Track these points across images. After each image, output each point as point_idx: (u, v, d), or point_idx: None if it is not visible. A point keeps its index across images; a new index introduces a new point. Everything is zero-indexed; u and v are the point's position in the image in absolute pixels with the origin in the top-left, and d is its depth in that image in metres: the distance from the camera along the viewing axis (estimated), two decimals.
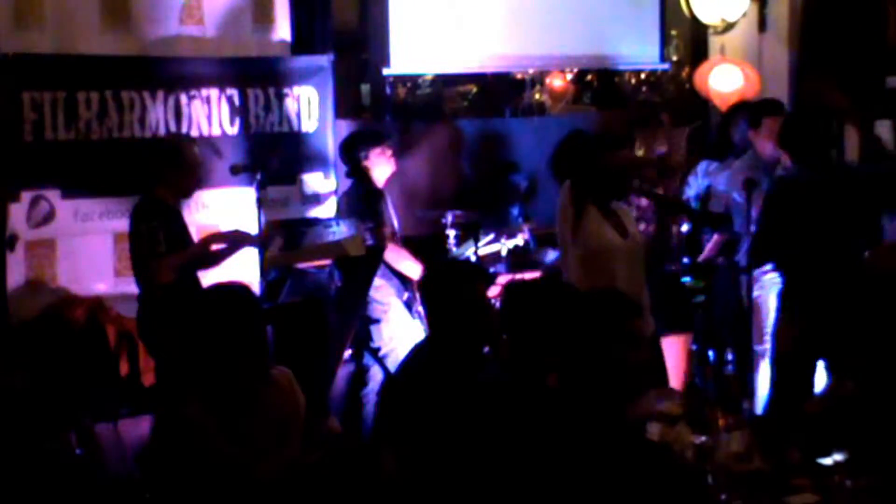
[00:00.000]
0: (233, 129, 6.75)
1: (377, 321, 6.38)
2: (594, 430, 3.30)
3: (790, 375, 5.42)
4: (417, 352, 4.30)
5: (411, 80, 8.14)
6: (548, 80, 8.55)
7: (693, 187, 6.97)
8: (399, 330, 6.37)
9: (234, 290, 4.02)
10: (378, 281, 6.30)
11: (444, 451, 3.68)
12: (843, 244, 5.39)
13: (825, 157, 5.58)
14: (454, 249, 6.83)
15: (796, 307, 5.47)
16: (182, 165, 5.59)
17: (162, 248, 5.40)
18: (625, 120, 7.44)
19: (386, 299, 6.40)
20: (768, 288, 5.96)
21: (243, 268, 6.07)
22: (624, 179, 5.26)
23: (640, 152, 6.76)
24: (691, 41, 8.71)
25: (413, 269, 6.33)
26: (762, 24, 8.18)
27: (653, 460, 3.27)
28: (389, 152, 6.49)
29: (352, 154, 6.47)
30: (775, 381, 5.55)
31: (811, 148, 5.52)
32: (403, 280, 6.39)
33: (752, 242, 5.63)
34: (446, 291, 4.20)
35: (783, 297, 5.63)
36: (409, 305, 6.40)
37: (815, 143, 5.54)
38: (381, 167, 6.46)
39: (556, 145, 5.54)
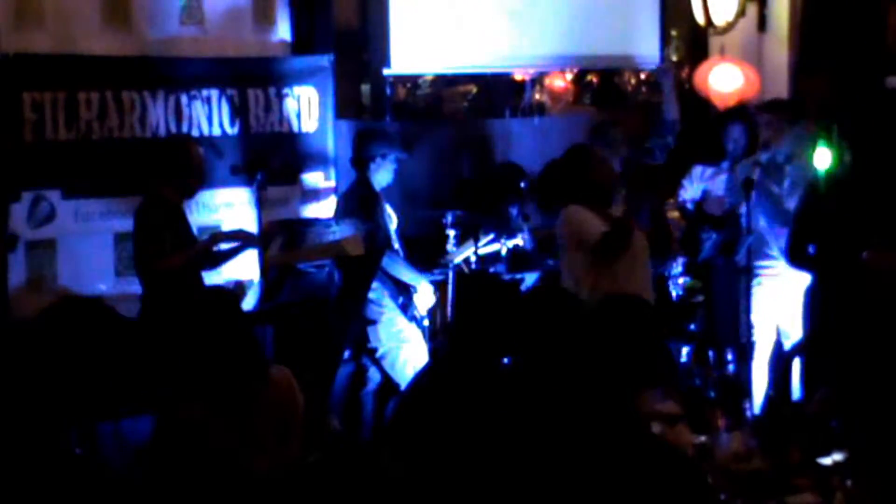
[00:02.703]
0: (233, 129, 6.75)
1: (374, 322, 6.38)
2: (601, 425, 3.29)
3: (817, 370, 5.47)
4: (438, 363, 4.26)
5: (411, 80, 8.12)
6: (548, 81, 8.54)
7: (689, 191, 6.98)
8: (394, 331, 6.37)
9: (215, 297, 4.06)
10: (373, 283, 6.30)
11: (464, 460, 3.65)
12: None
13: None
14: (454, 249, 6.83)
15: (831, 304, 5.49)
16: (189, 165, 5.62)
17: (166, 248, 5.40)
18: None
19: (382, 300, 6.40)
20: (764, 283, 5.98)
21: (243, 268, 6.08)
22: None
23: None
24: (691, 41, 8.70)
25: (409, 275, 6.33)
26: (762, 24, 8.17)
27: (657, 455, 3.26)
28: (396, 165, 6.49)
29: (369, 147, 6.44)
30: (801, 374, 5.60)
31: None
32: (398, 283, 6.39)
33: (791, 239, 5.69)
34: (480, 304, 4.14)
35: (814, 293, 5.65)
36: (404, 308, 6.39)
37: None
38: (384, 173, 6.47)
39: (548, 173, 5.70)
